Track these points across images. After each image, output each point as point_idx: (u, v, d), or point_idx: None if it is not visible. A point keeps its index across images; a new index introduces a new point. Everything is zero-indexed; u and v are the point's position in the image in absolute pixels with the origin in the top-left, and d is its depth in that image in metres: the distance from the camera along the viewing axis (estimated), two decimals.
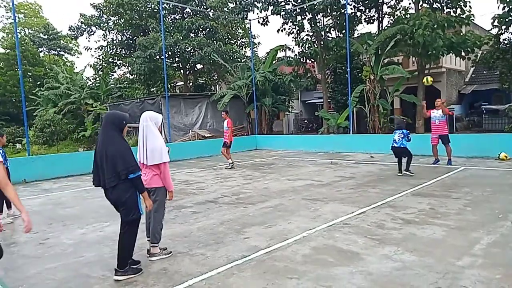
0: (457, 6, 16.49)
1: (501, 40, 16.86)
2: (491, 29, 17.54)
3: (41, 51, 42.84)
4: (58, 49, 44.29)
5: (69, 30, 28.17)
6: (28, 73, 35.49)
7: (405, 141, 8.49)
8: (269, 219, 5.51)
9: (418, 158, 11.34)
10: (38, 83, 34.57)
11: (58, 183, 9.99)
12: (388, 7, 20.11)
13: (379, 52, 17.08)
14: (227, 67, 22.15)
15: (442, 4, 17.12)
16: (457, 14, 16.49)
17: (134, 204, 3.59)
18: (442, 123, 9.58)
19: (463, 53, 16.74)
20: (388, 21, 20.10)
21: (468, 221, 4.99)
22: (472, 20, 16.85)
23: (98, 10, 26.71)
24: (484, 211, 5.39)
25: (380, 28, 19.76)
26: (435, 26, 15.02)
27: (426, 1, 17.33)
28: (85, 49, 31.32)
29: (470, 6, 16.46)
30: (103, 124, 3.66)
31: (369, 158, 12.08)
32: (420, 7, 17.60)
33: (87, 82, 31.16)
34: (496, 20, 16.03)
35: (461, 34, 16.76)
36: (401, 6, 19.98)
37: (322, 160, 12.46)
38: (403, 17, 17.42)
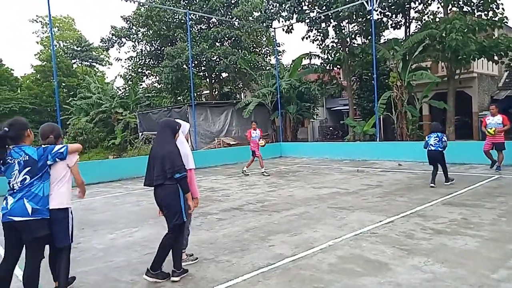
0: (489, 9, 15.94)
1: None
2: None
3: (74, 62, 44.81)
4: (90, 60, 46.18)
5: (100, 42, 29.31)
6: (62, 84, 37.14)
7: (441, 146, 8.01)
8: (294, 227, 5.48)
9: (448, 166, 10.96)
10: (72, 93, 36.18)
11: (89, 190, 10.29)
12: (415, 12, 19.69)
13: (407, 58, 16.73)
14: (252, 75, 22.33)
15: (473, 7, 16.60)
16: (489, 17, 15.94)
17: (178, 208, 3.70)
18: (497, 130, 9.28)
19: (495, 57, 16.14)
20: (416, 26, 19.67)
21: (503, 232, 4.78)
22: (506, 23, 16.23)
23: (128, 22, 27.67)
24: None
25: (407, 34, 19.36)
26: (466, 30, 14.58)
27: (456, 5, 16.86)
28: (116, 60, 32.56)
29: (503, 9, 15.87)
30: (159, 129, 3.88)
31: (396, 166, 11.80)
32: (449, 11, 17.14)
33: (117, 92, 32.27)
34: None
35: (494, 37, 16.17)
36: (429, 10, 19.51)
37: (348, 168, 12.28)
38: (432, 21, 17.02)
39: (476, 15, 16.48)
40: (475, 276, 3.50)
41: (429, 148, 8.13)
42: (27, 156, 3.11)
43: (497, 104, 10.12)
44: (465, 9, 16.69)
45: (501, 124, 9.26)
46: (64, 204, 3.35)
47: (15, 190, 3.10)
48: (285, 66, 28.84)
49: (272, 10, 20.53)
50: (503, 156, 9.42)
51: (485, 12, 16.15)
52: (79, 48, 44.26)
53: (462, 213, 5.76)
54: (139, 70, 29.48)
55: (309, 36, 20.79)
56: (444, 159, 8.14)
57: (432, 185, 7.99)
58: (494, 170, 9.48)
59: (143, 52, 28.43)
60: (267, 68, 24.62)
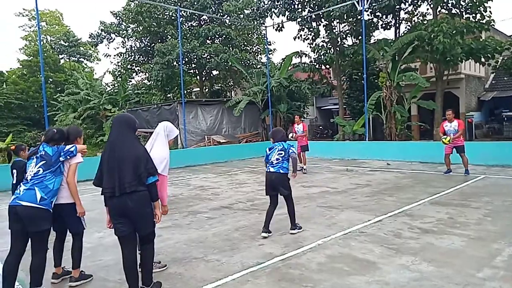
0: (477, 12, 16.18)
1: None
2: None
3: (62, 57, 44.02)
4: (78, 55, 45.40)
5: (89, 37, 28.87)
6: (50, 79, 36.45)
7: (286, 164, 5.14)
8: (283, 226, 5.49)
9: (436, 166, 11.15)
10: (59, 89, 35.53)
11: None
12: (405, 13, 19.90)
13: (396, 59, 16.89)
14: (243, 73, 22.28)
15: (461, 10, 16.84)
16: (476, 20, 16.19)
17: (152, 215, 3.39)
18: (453, 138, 9.08)
19: (483, 59, 16.40)
20: (406, 27, 19.88)
21: (488, 231, 4.87)
22: (493, 26, 16.52)
23: (118, 17, 27.31)
24: (505, 221, 5.25)
25: (397, 35, 19.55)
26: (454, 32, 14.79)
27: (445, 7, 17.08)
28: (105, 56, 31.93)
29: (490, 12, 16.13)
30: (117, 127, 3.40)
31: (385, 166, 11.92)
32: (438, 13, 17.36)
33: (106, 88, 31.82)
34: None
35: (481, 39, 16.43)
36: (418, 12, 19.73)
37: (337, 167, 12.36)
38: (421, 23, 17.20)
39: (464, 18, 16.73)
40: (460, 275, 3.56)
41: (268, 170, 5.17)
42: (44, 152, 3.58)
43: (453, 109, 9.68)
44: (453, 11, 16.93)
45: (457, 130, 9.09)
46: (71, 199, 3.89)
47: (28, 180, 3.49)
48: (275, 64, 28.85)
49: (264, 7, 20.51)
50: (467, 159, 9.21)
51: (473, 15, 16.40)
52: (67, 43, 43.47)
53: (449, 212, 5.85)
54: (129, 66, 29.14)
55: (300, 36, 20.85)
56: (288, 187, 5.18)
57: (264, 235, 4.98)
58: (464, 174, 9.17)
59: (133, 48, 28.11)
60: (258, 66, 24.59)
